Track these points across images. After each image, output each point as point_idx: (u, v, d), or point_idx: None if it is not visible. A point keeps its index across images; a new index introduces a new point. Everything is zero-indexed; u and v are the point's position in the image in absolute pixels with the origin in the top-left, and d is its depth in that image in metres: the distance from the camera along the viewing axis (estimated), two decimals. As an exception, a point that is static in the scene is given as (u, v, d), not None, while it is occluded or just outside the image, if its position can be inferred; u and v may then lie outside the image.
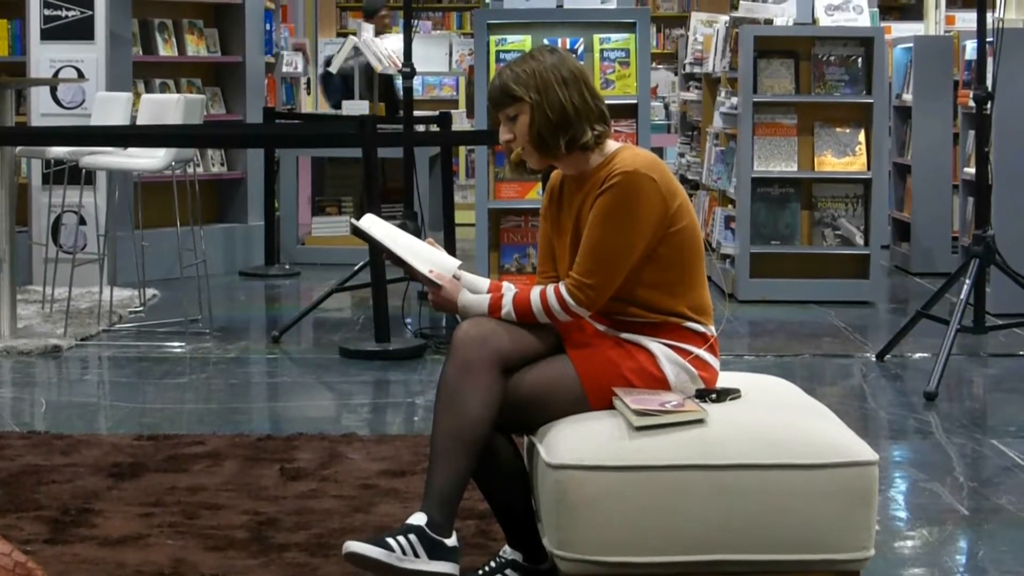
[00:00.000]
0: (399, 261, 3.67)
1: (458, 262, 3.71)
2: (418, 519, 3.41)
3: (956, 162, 9.38)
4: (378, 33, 10.51)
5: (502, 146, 3.71)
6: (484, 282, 3.69)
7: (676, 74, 12.35)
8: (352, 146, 8.61)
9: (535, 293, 3.56)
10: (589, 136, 3.58)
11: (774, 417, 3.45)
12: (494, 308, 3.57)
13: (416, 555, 3.37)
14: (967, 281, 6.61)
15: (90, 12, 8.82)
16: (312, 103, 14.47)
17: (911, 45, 9.94)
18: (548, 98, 3.56)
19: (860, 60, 8.59)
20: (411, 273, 3.68)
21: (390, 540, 3.37)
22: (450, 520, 3.44)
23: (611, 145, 3.64)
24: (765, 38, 8.66)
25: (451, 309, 3.64)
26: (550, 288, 3.56)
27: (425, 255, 3.69)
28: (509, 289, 3.61)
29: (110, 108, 7.92)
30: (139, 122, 7.84)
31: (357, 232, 3.71)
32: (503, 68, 3.65)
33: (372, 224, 3.71)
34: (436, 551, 3.39)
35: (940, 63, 9.62)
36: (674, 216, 3.54)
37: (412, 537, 3.38)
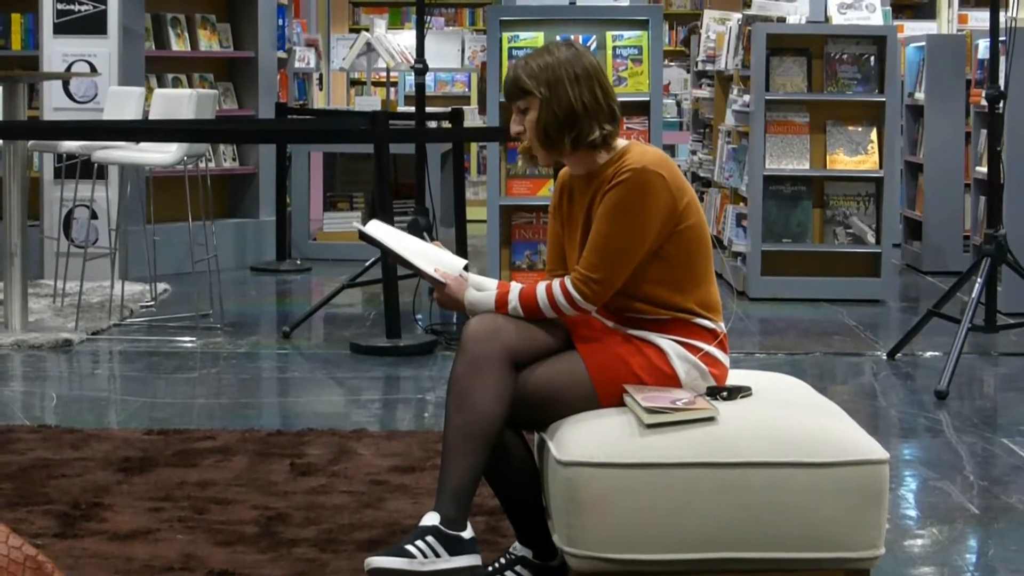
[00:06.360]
0: (405, 262, 3.69)
1: (464, 261, 3.72)
2: (431, 519, 3.40)
3: (968, 161, 9.37)
4: None
5: (513, 138, 3.70)
6: (492, 282, 3.68)
7: (688, 71, 12.33)
8: (364, 142, 8.61)
9: (541, 288, 3.55)
10: (596, 135, 3.55)
11: (785, 415, 3.44)
12: (500, 303, 3.56)
13: (437, 555, 3.37)
14: (979, 280, 6.60)
15: (103, 6, 8.83)
16: (324, 98, 14.48)
17: (924, 44, 9.92)
18: (557, 94, 3.54)
19: (872, 58, 8.57)
20: (418, 273, 3.70)
21: (409, 547, 3.36)
22: (464, 515, 3.43)
23: (619, 142, 3.62)
24: (778, 36, 8.65)
25: (457, 307, 3.64)
26: (556, 282, 3.55)
27: (431, 255, 3.71)
28: (516, 286, 3.61)
29: (122, 103, 7.93)
30: (151, 117, 7.85)
31: (364, 237, 3.74)
32: (519, 60, 3.64)
33: (378, 229, 3.74)
34: (455, 547, 3.39)
35: (952, 62, 9.61)
36: (682, 214, 3.53)
37: (430, 539, 3.37)
